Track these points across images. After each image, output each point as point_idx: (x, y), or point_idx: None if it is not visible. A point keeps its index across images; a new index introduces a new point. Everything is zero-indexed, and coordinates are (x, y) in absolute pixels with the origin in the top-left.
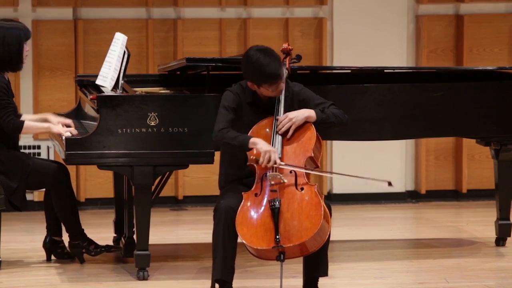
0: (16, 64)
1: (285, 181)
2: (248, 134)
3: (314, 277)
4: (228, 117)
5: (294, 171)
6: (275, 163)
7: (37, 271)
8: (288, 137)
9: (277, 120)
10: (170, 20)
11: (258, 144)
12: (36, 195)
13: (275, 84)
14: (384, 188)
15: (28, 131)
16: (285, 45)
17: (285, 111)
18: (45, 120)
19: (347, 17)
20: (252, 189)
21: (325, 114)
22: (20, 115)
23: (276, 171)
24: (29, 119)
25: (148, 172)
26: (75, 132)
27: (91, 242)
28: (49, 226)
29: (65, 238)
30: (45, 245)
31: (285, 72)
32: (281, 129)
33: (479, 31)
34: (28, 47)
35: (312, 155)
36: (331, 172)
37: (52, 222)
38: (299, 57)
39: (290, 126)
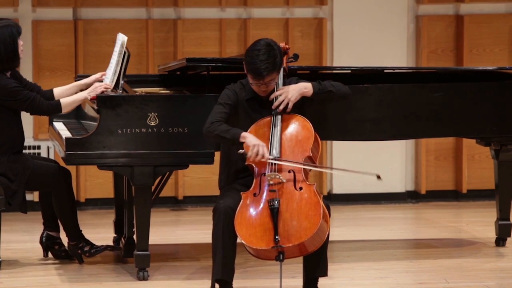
0: (13, 61)
1: (284, 180)
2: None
3: (314, 277)
4: (222, 112)
5: (293, 171)
6: (263, 157)
7: (37, 271)
8: (288, 110)
9: (275, 98)
10: (170, 20)
11: (248, 138)
12: (36, 195)
13: (256, 81)
14: (384, 188)
15: (68, 108)
16: (282, 44)
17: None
18: (79, 88)
19: (347, 17)
20: (251, 189)
21: (321, 85)
22: (51, 91)
23: (274, 171)
24: (61, 91)
25: (148, 172)
26: (107, 86)
27: (87, 243)
28: (46, 222)
29: (64, 238)
30: (42, 240)
31: (280, 77)
32: (278, 107)
33: (479, 31)
34: (21, 42)
35: (311, 154)
36: (321, 166)
37: (48, 217)
38: (296, 56)
39: (287, 104)
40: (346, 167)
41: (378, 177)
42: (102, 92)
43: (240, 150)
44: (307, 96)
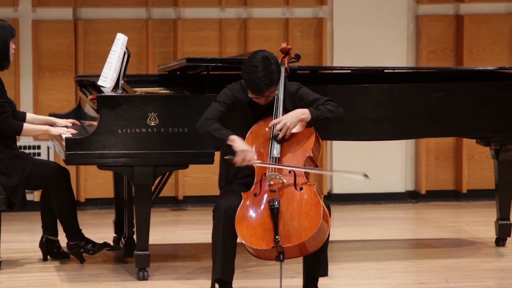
0: (3, 62)
1: (284, 181)
2: (248, 133)
3: (314, 277)
4: (218, 110)
5: (293, 171)
6: (249, 162)
7: (37, 271)
8: (286, 137)
9: (274, 125)
10: (170, 20)
11: (236, 142)
12: (36, 195)
13: (255, 95)
14: (384, 188)
15: (27, 134)
16: (284, 45)
17: (284, 111)
18: (49, 123)
19: (347, 17)
20: (252, 189)
21: (319, 111)
22: (24, 114)
23: (275, 171)
24: (34, 119)
25: (148, 172)
26: (74, 132)
27: (88, 241)
28: (45, 226)
29: (62, 238)
30: (42, 245)
31: (282, 77)
32: (277, 135)
33: (479, 31)
34: (14, 45)
35: (311, 155)
36: (306, 168)
37: (48, 222)
38: (298, 57)
39: (286, 132)
40: (346, 168)
41: (366, 176)
42: (60, 134)
43: (226, 156)
44: (305, 121)
